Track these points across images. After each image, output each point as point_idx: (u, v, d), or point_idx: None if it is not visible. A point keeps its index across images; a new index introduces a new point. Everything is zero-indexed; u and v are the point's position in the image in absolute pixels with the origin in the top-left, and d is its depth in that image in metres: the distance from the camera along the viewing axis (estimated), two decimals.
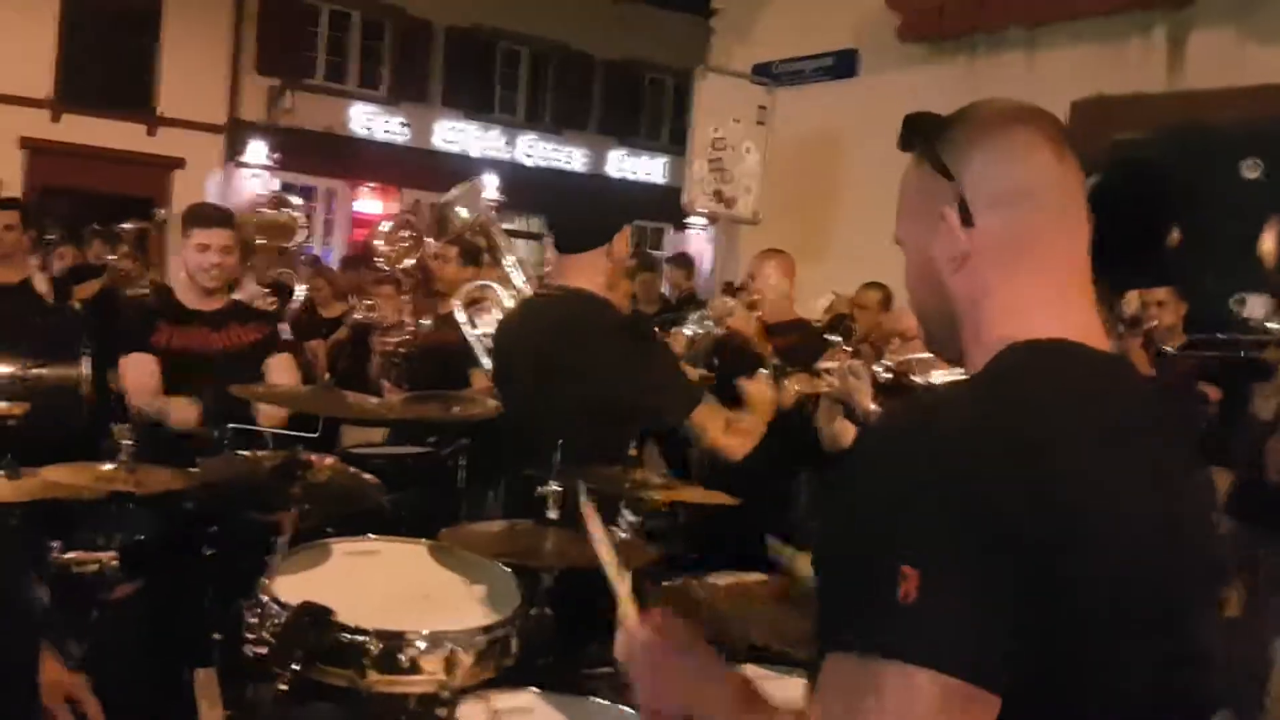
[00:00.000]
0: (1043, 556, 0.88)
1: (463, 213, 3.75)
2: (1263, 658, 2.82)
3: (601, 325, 2.57)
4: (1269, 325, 3.39)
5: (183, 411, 3.16)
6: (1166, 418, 1.10)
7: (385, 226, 4.91)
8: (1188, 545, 1.03)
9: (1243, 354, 3.47)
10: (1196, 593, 1.06)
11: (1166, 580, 0.99)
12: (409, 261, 4.59)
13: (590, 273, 2.61)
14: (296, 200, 5.32)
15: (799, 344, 4.27)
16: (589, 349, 2.49)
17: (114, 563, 2.76)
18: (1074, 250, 1.08)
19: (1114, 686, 0.95)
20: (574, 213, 2.73)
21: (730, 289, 5.45)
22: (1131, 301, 3.80)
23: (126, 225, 5.50)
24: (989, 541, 0.88)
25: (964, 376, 1.09)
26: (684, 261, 8.68)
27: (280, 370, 3.50)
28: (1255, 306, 3.92)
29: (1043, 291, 1.06)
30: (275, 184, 14.23)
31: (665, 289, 8.26)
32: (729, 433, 2.55)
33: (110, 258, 5.36)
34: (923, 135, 1.11)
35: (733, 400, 2.87)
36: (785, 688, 2.02)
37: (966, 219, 1.06)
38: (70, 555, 2.71)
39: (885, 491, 0.93)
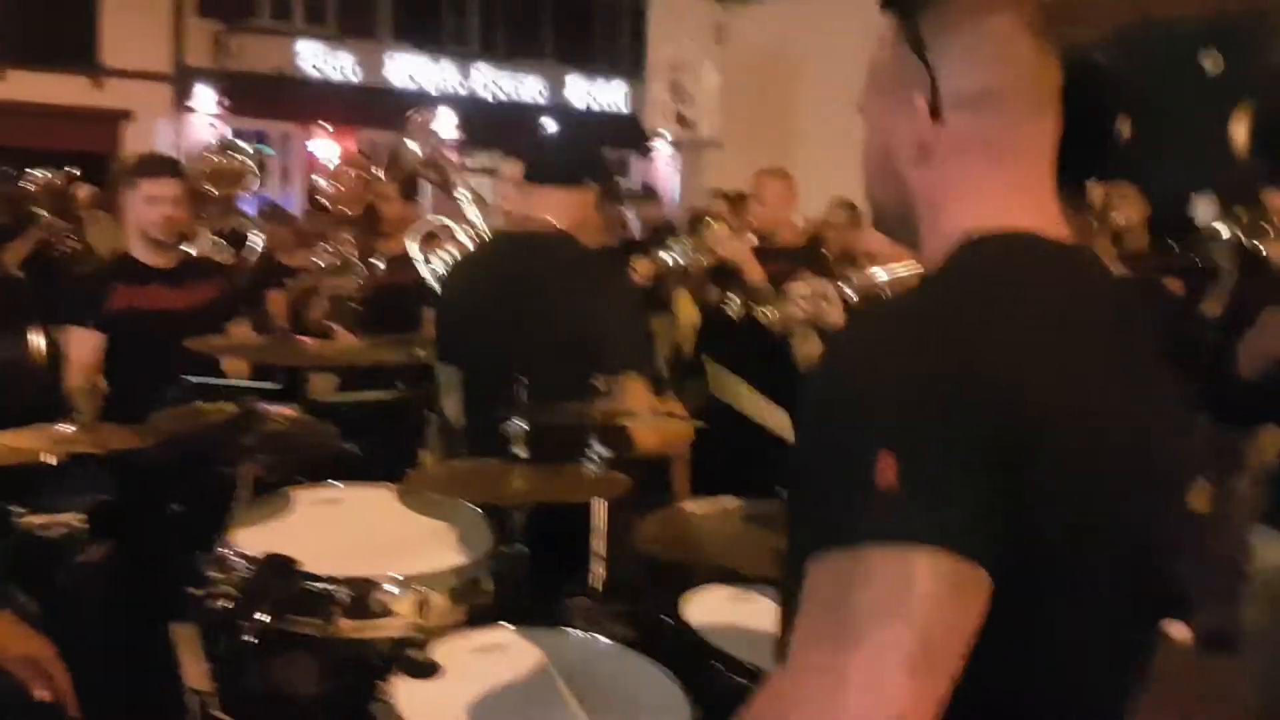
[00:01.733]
0: (1009, 454, 0.86)
1: (414, 149, 3.67)
2: (1239, 549, 2.86)
3: (562, 264, 2.53)
4: (1216, 227, 3.39)
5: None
6: (1132, 308, 1.08)
7: (331, 166, 4.78)
8: (1156, 441, 1.01)
9: (1195, 259, 3.48)
10: (1165, 490, 1.04)
11: (1135, 479, 0.97)
12: (356, 202, 4.47)
13: (558, 208, 2.55)
14: (245, 145, 5.15)
15: (793, 273, 4.21)
16: (550, 289, 2.45)
17: (81, 525, 2.74)
18: (1041, 146, 1.04)
19: (1081, 584, 0.93)
20: (545, 141, 2.66)
21: (730, 201, 5.34)
22: (1096, 197, 3.78)
23: (36, 174, 5.25)
24: (959, 435, 0.85)
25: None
26: (650, 194, 8.61)
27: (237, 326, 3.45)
28: (1205, 212, 3.92)
29: (1005, 185, 1.02)
30: (227, 131, 13.93)
31: (634, 223, 8.18)
32: (645, 419, 2.38)
33: (35, 212, 5.13)
34: (907, 5, 1.04)
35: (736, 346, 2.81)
36: (758, 609, 2.03)
37: (935, 112, 1.01)
38: (36, 520, 2.68)
39: (853, 386, 0.90)
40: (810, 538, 0.88)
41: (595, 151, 2.74)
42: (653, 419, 2.40)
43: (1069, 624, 0.95)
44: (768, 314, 3.71)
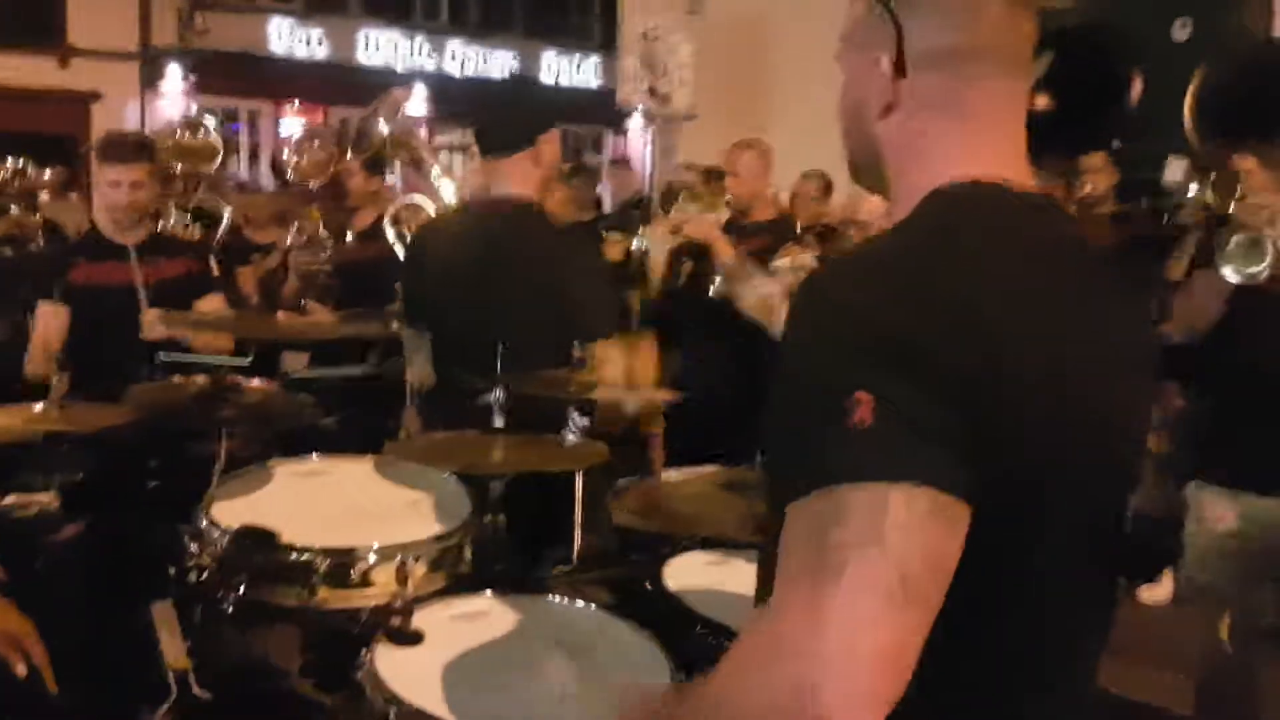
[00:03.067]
0: (976, 392, 0.87)
1: (383, 127, 3.64)
2: (1175, 506, 2.92)
3: (530, 233, 2.51)
4: (1185, 187, 3.41)
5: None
6: (1096, 258, 1.08)
7: (293, 140, 4.72)
8: (1118, 384, 1.03)
9: (1165, 218, 3.50)
10: (1126, 431, 1.06)
11: (1097, 418, 0.98)
12: (321, 177, 4.43)
13: (518, 178, 2.53)
14: (213, 122, 5.09)
15: (770, 247, 4.20)
16: (519, 257, 2.43)
17: (54, 504, 2.71)
18: (1010, 105, 1.04)
19: (1047, 523, 0.95)
20: (495, 113, 2.63)
21: (705, 176, 5.29)
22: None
23: (9, 162, 5.22)
24: (928, 373, 0.86)
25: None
26: (622, 165, 8.56)
27: (209, 301, 3.42)
28: (1175, 170, 3.94)
29: (970, 141, 1.03)
30: (194, 109, 13.75)
31: (606, 195, 8.14)
32: (624, 383, 2.37)
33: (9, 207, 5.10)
34: None
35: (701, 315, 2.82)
36: (737, 574, 2.05)
37: (901, 68, 1.02)
38: (8, 500, 2.65)
39: (824, 330, 0.91)
40: (789, 483, 0.89)
41: (543, 105, 2.71)
42: (627, 388, 2.40)
43: (1034, 563, 0.96)
44: (741, 293, 3.72)
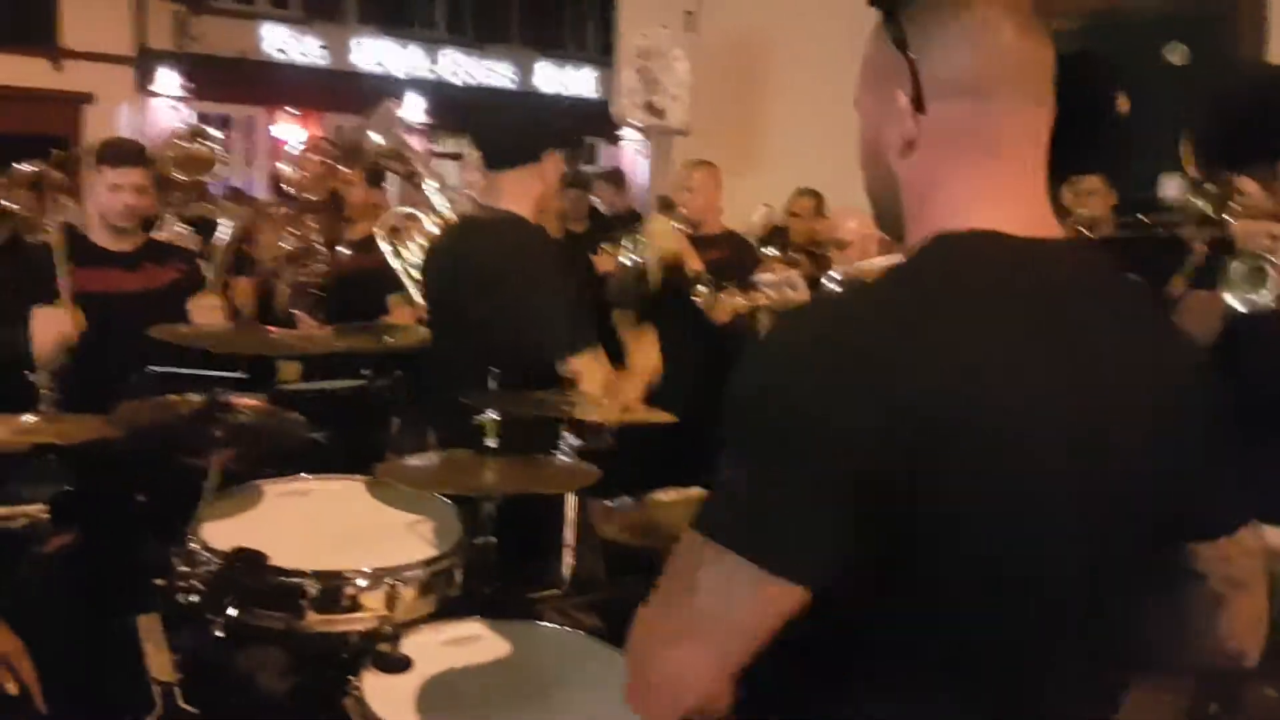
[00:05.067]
0: (889, 486, 0.88)
1: (376, 139, 3.62)
2: None
3: (520, 247, 2.50)
4: (1189, 199, 3.41)
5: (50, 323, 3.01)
6: (1107, 308, 1.01)
7: (295, 151, 4.70)
8: (1118, 470, 0.96)
9: (1161, 233, 3.51)
10: (1134, 531, 0.99)
11: (1087, 521, 0.94)
12: (320, 188, 4.41)
13: (519, 194, 2.53)
14: (215, 132, 5.08)
15: (729, 257, 4.25)
16: (509, 272, 2.43)
17: (43, 515, 2.69)
18: (1029, 135, 1.02)
19: (997, 615, 0.95)
20: (501, 127, 2.63)
21: (665, 204, 5.40)
22: (1063, 195, 3.80)
23: (20, 167, 5.21)
24: (823, 460, 0.89)
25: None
26: (616, 177, 8.54)
27: (204, 312, 3.39)
28: (1170, 187, 3.95)
29: (985, 178, 1.01)
30: (189, 114, 13.73)
31: (599, 206, 8.13)
32: (606, 394, 2.37)
33: (5, 203, 5.08)
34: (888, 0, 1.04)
35: (672, 327, 2.82)
36: None
37: (919, 105, 1.01)
38: None
39: (745, 386, 0.96)
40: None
41: (552, 121, 2.71)
42: (618, 387, 2.41)
43: (981, 644, 0.96)
44: (724, 301, 3.75)
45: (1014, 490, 0.91)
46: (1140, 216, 3.72)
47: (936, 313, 0.92)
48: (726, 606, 0.92)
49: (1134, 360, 1.00)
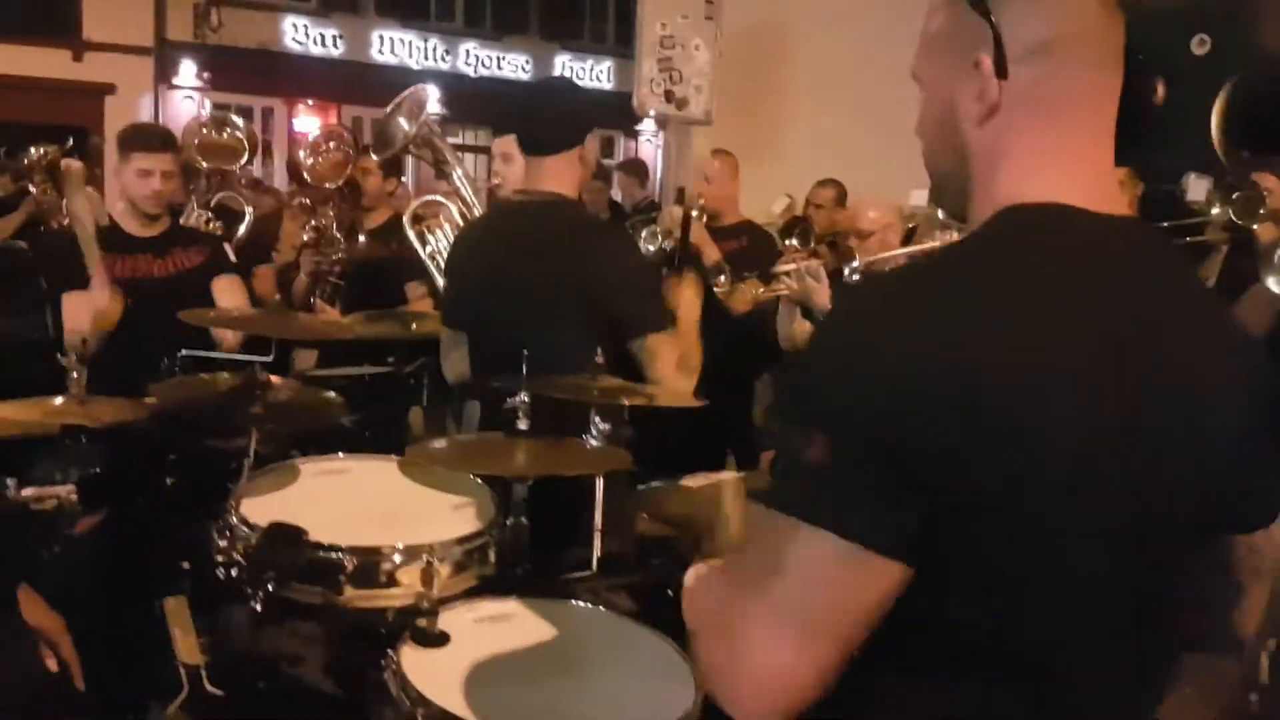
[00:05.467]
0: (960, 471, 0.87)
1: (405, 125, 3.63)
2: None
3: (578, 227, 2.53)
4: (1208, 204, 3.40)
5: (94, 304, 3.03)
6: (1186, 297, 1.01)
7: (311, 139, 4.70)
8: (1171, 459, 0.95)
9: (1186, 238, 3.50)
10: (1176, 521, 0.98)
11: (1126, 510, 0.93)
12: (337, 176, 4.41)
13: (565, 176, 2.54)
14: (240, 121, 5.10)
15: (747, 248, 4.24)
16: (568, 252, 2.44)
17: (72, 497, 2.71)
18: (1103, 101, 1.00)
19: (1058, 599, 0.93)
20: (550, 113, 2.63)
21: (681, 196, 5.40)
22: None
23: (33, 151, 5.22)
24: (891, 430, 0.87)
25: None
26: (637, 169, 8.52)
27: (228, 292, 3.42)
28: (1197, 189, 3.93)
29: (1064, 153, 0.99)
30: (208, 105, 13.78)
31: (618, 197, 8.13)
32: (679, 370, 2.41)
33: (28, 187, 5.09)
34: None
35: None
36: None
37: (1001, 69, 0.98)
38: (27, 492, 2.65)
39: (816, 361, 0.96)
40: (770, 484, 0.97)
41: (585, 110, 2.73)
42: (687, 361, 2.42)
43: (1042, 626, 0.95)
44: (744, 290, 3.75)
45: (1072, 482, 0.90)
46: (1164, 225, 3.72)
47: (1010, 296, 0.91)
48: (840, 594, 0.90)
49: (1194, 349, 0.99)
